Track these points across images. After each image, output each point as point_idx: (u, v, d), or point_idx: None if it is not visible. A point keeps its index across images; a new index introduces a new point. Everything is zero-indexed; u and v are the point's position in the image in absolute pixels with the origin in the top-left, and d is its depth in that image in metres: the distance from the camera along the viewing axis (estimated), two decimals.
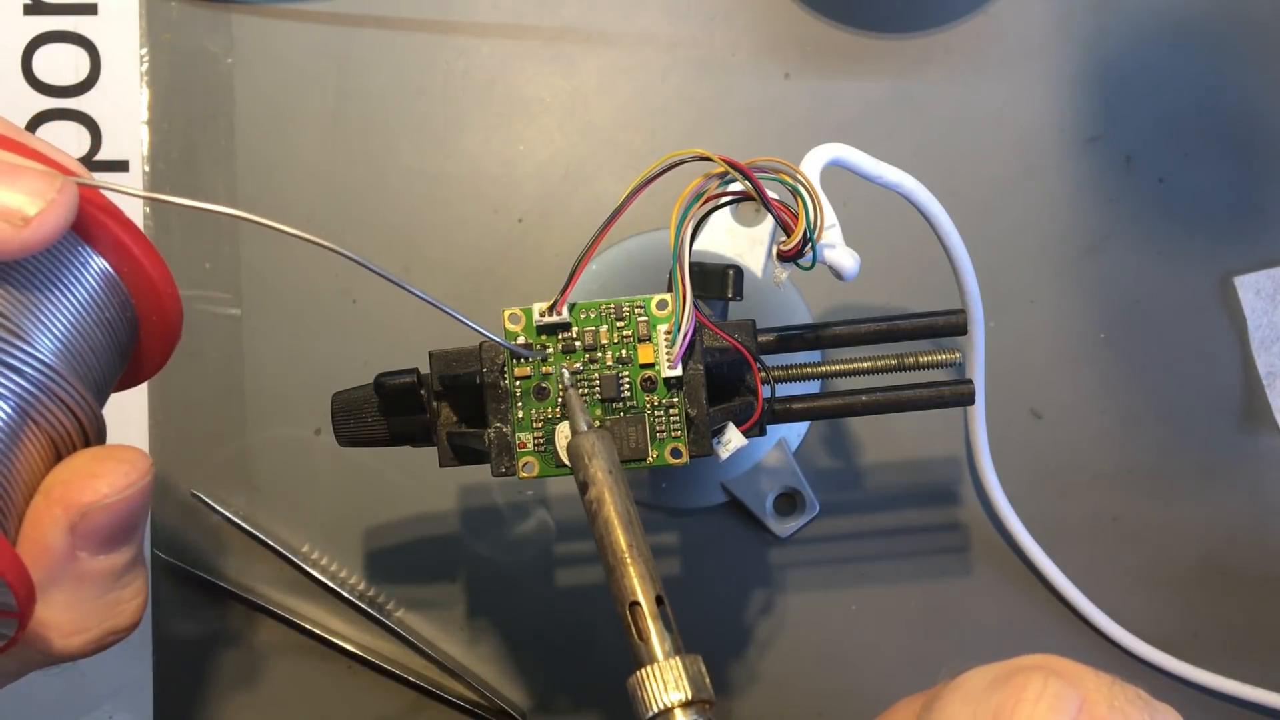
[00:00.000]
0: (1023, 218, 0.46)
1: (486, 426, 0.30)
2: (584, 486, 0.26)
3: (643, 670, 0.23)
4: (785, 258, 0.29)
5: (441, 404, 0.32)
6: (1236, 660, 0.45)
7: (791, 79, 0.46)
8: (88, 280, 0.24)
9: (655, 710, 0.23)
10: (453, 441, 0.31)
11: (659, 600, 0.24)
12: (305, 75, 0.45)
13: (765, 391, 0.31)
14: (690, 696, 0.23)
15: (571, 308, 0.30)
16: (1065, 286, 0.46)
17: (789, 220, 0.29)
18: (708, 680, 0.23)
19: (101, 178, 0.44)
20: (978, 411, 0.43)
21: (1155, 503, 0.45)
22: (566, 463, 0.29)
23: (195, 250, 0.45)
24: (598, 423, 0.29)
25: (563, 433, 0.29)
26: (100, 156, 0.45)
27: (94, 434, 0.24)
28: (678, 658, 0.23)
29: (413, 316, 0.45)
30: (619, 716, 0.45)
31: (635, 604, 0.24)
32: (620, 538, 0.25)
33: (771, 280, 0.31)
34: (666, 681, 0.23)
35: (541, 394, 0.29)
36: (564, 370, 0.29)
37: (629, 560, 0.25)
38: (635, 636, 0.24)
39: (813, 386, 0.39)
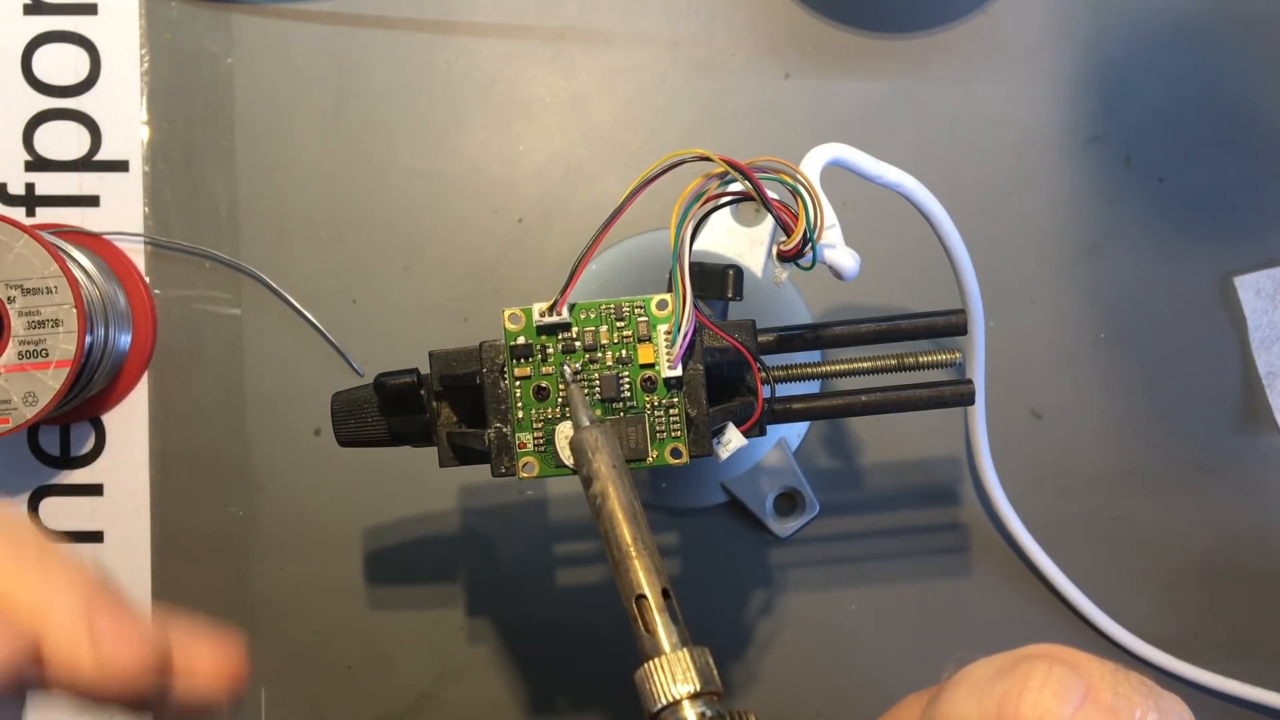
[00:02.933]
0: (1023, 218, 0.46)
1: (486, 426, 0.30)
2: (587, 481, 0.26)
3: (650, 663, 0.23)
4: (785, 258, 0.29)
5: (441, 404, 0.32)
6: (1236, 660, 0.45)
7: (791, 79, 0.46)
8: None
9: (663, 702, 0.23)
10: (453, 441, 0.31)
11: (665, 593, 0.24)
12: (305, 75, 0.45)
13: (765, 391, 0.31)
14: (698, 688, 0.23)
15: (571, 308, 0.30)
16: (1065, 286, 0.46)
17: (789, 220, 0.29)
18: (715, 672, 0.23)
19: (101, 177, 0.44)
20: (978, 411, 0.43)
21: (1155, 503, 0.45)
22: (566, 463, 0.29)
23: (194, 249, 0.45)
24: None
25: (563, 433, 0.29)
26: (100, 156, 0.45)
27: None
28: (685, 650, 0.23)
29: (413, 316, 0.45)
30: (619, 716, 0.45)
31: (641, 597, 0.24)
32: (625, 532, 0.25)
33: (771, 280, 0.31)
34: (674, 674, 0.23)
35: (541, 394, 0.29)
36: (565, 367, 0.29)
37: (634, 554, 0.25)
38: (642, 630, 0.24)
39: (813, 386, 0.39)
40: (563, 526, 0.45)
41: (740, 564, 0.45)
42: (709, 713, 0.23)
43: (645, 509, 0.44)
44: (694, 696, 0.23)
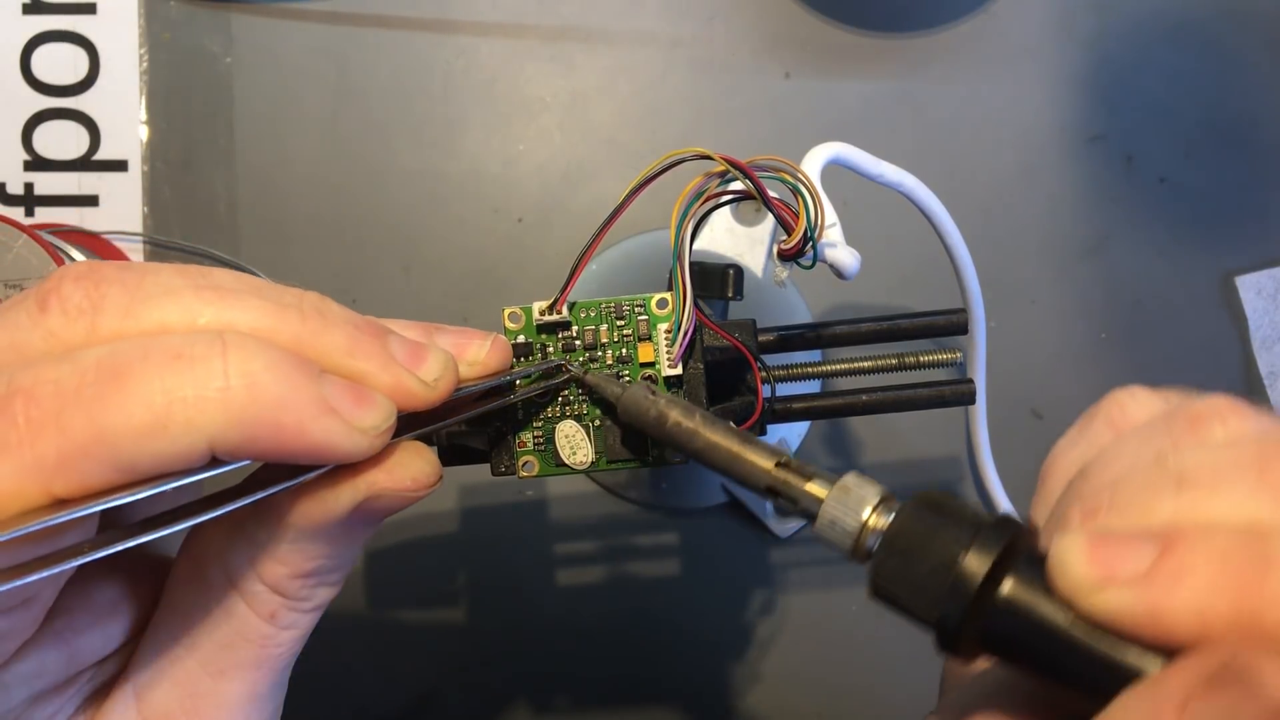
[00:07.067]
0: (1023, 218, 0.46)
1: (486, 426, 0.30)
2: (660, 421, 0.26)
3: (818, 517, 0.23)
4: (786, 257, 0.29)
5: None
6: None
7: (791, 79, 0.46)
8: None
9: (852, 533, 0.22)
10: (452, 441, 0.31)
11: (783, 463, 0.24)
12: (305, 75, 0.45)
13: (765, 391, 0.31)
14: (875, 500, 0.22)
15: (571, 306, 0.29)
16: (1066, 286, 0.46)
17: (790, 219, 0.29)
18: (872, 482, 0.23)
19: (100, 177, 0.44)
20: (978, 411, 0.43)
21: None
22: (566, 461, 0.29)
23: (193, 249, 0.45)
24: (597, 421, 0.29)
25: (563, 432, 0.29)
26: (99, 156, 0.45)
27: None
28: (834, 485, 0.23)
29: (413, 316, 0.45)
30: (619, 715, 0.45)
31: (769, 485, 0.24)
32: (718, 438, 0.25)
33: (772, 279, 0.31)
34: (846, 506, 0.22)
35: (542, 393, 0.29)
36: (569, 367, 0.29)
37: (736, 448, 0.25)
38: (792, 504, 0.23)
39: (813, 386, 0.39)
40: (563, 526, 0.45)
41: (740, 564, 0.45)
42: (890, 514, 0.22)
43: (645, 509, 0.45)
44: (874, 511, 0.22)
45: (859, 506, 0.22)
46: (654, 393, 0.27)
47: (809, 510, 0.23)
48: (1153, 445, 0.21)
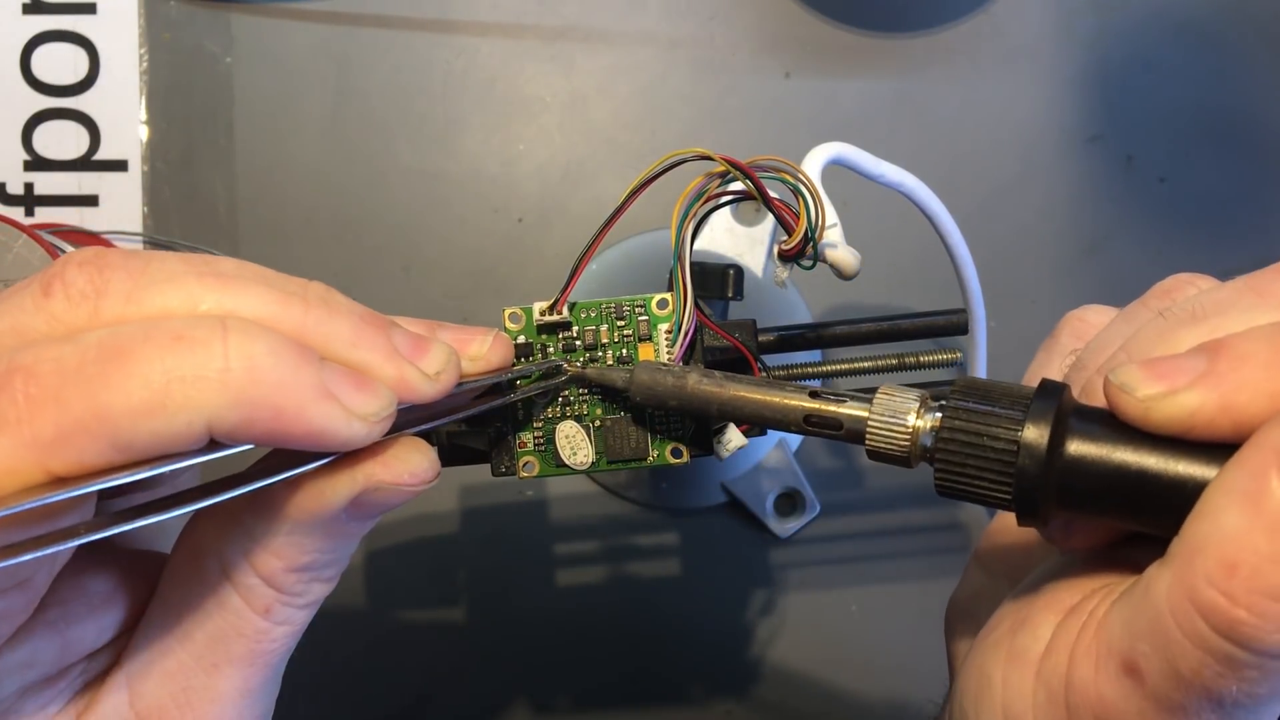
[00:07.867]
0: (1023, 218, 0.46)
1: (486, 426, 0.30)
2: (680, 385, 0.26)
3: (867, 433, 0.23)
4: (786, 257, 0.29)
5: None
6: None
7: (791, 79, 0.46)
8: None
9: (905, 439, 0.22)
10: (452, 441, 0.31)
11: (814, 394, 0.24)
12: (304, 75, 0.45)
13: None
14: (916, 404, 0.22)
15: (572, 307, 0.29)
16: (1066, 286, 0.46)
17: (790, 219, 0.29)
18: (906, 388, 0.23)
19: (100, 177, 0.44)
20: None
21: None
22: (567, 461, 0.29)
23: (193, 248, 0.45)
24: (597, 422, 0.29)
25: (563, 432, 0.29)
26: (99, 156, 0.45)
27: None
28: (871, 400, 0.23)
29: (413, 316, 0.45)
30: (618, 715, 0.45)
31: (806, 416, 0.24)
32: (743, 388, 0.25)
33: (773, 280, 0.31)
34: (891, 414, 0.22)
35: (541, 394, 0.29)
36: (564, 366, 0.29)
37: (765, 391, 0.25)
38: (835, 429, 0.24)
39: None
40: (563, 526, 0.45)
41: (740, 564, 0.45)
42: (933, 413, 0.22)
43: (645, 509, 0.45)
44: (918, 415, 0.22)
45: (903, 412, 0.23)
46: (664, 365, 0.27)
47: (855, 430, 0.23)
48: (1141, 316, 0.22)
